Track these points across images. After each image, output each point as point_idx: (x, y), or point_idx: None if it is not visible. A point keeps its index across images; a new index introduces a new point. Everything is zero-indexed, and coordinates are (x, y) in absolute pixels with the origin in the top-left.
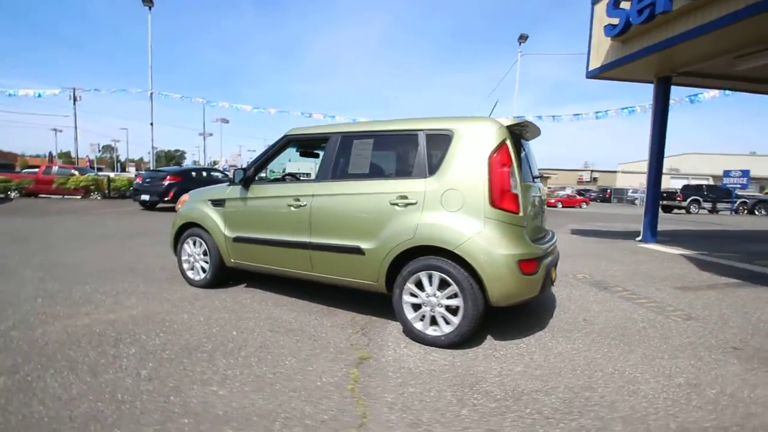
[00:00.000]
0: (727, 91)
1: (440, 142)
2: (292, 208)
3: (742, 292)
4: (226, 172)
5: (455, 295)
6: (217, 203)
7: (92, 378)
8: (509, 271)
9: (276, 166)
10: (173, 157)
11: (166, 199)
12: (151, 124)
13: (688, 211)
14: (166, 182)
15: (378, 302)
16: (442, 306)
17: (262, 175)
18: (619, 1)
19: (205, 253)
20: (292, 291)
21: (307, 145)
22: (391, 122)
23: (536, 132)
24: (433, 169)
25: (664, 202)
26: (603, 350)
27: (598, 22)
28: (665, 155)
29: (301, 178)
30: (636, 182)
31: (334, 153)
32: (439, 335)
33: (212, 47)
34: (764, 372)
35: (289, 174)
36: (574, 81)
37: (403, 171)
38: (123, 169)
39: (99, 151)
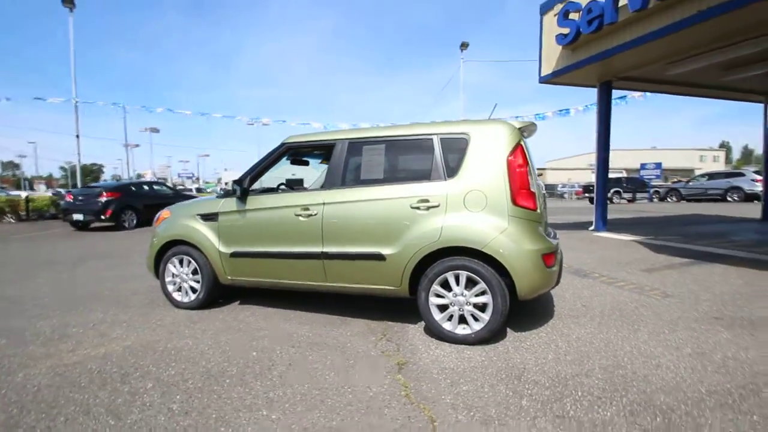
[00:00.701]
0: (648, 93)
1: (456, 145)
2: (301, 218)
3: (696, 270)
4: (166, 185)
5: (483, 293)
6: (209, 217)
7: (117, 420)
8: (535, 266)
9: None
10: (90, 171)
11: (103, 217)
12: (77, 136)
13: (611, 201)
14: (103, 199)
15: (387, 307)
16: (470, 304)
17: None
18: (569, 12)
19: (195, 272)
20: (292, 304)
21: (306, 152)
22: (402, 128)
23: (533, 130)
24: (451, 171)
25: (591, 194)
26: (613, 331)
27: (547, 31)
28: (586, 153)
29: (281, 187)
30: (564, 178)
31: (342, 160)
32: (468, 333)
33: (138, 53)
34: (749, 336)
35: (284, 183)
36: (501, 85)
37: (420, 175)
38: (31, 187)
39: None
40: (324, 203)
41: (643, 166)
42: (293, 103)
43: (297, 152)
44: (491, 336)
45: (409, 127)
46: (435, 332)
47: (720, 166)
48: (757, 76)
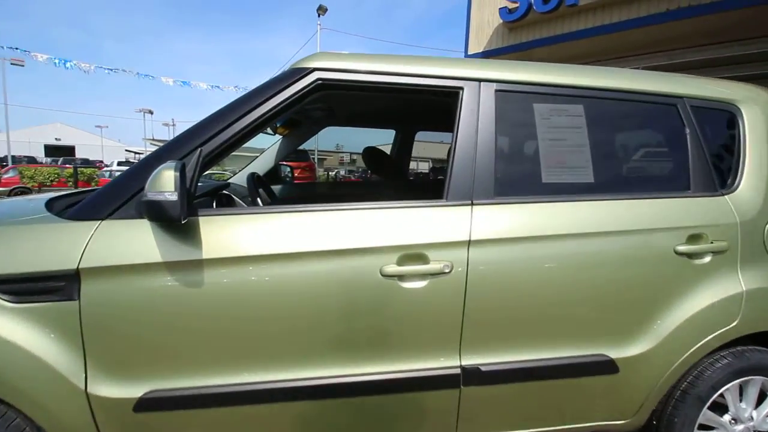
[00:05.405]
0: None
1: (717, 123)
2: (404, 285)
3: None
4: None
5: None
6: (31, 287)
7: None
8: None
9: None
10: None
11: None
12: None
13: None
14: None
15: None
16: None
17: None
18: None
19: None
20: None
21: (358, 98)
22: (607, 73)
23: None
24: (725, 175)
25: None
26: None
27: (477, 4)
28: None
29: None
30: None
31: (491, 134)
32: None
33: None
34: None
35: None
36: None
37: (665, 179)
38: None
39: None
40: (470, 241)
41: None
42: (30, 41)
43: (334, 92)
44: None
45: (623, 75)
46: None
47: None
48: None
